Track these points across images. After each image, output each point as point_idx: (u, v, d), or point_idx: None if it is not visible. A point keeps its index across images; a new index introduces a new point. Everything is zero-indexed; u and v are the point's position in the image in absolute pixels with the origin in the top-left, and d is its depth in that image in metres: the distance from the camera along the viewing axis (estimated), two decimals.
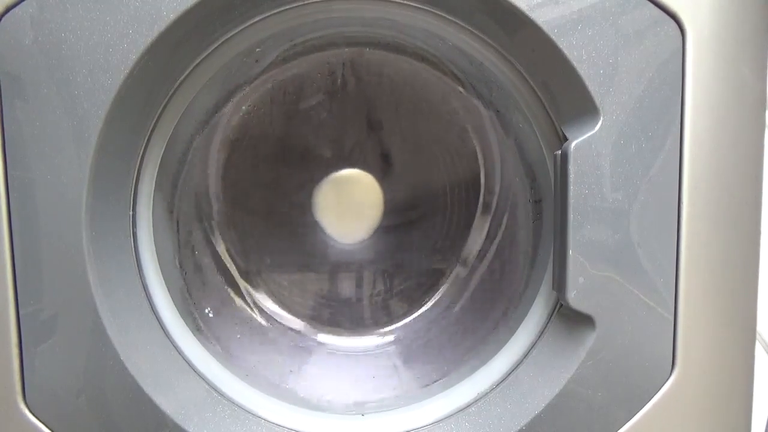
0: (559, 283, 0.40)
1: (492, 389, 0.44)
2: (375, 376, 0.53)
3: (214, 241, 0.57)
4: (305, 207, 0.59)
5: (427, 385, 0.49)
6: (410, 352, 0.57)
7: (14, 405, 0.39)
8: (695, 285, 0.40)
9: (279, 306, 0.60)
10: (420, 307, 0.61)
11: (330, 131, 0.58)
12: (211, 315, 0.52)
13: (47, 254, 0.38)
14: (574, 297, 0.39)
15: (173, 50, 0.39)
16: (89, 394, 0.39)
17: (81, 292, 0.38)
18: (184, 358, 0.44)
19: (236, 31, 0.42)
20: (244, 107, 0.55)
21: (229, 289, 0.57)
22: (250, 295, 0.59)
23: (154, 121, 0.43)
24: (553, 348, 0.43)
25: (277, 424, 0.44)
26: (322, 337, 0.59)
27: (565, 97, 0.40)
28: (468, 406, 0.44)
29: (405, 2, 0.42)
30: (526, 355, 0.44)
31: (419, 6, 0.42)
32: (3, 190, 0.38)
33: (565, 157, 0.39)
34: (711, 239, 0.40)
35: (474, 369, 0.47)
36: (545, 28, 0.37)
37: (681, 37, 0.38)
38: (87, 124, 0.37)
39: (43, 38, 0.37)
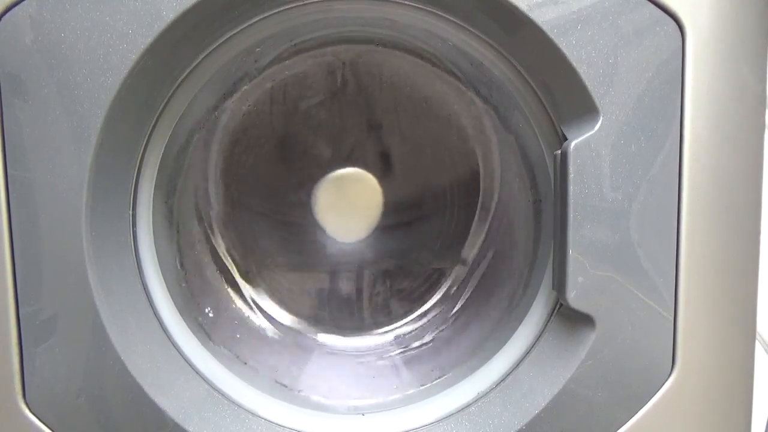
0: (559, 283, 0.40)
1: (492, 389, 0.44)
2: (375, 376, 0.53)
3: (214, 241, 0.57)
4: (305, 206, 0.59)
5: (427, 385, 0.49)
6: (410, 352, 0.57)
7: (14, 405, 0.39)
8: (695, 285, 0.40)
9: (279, 305, 0.60)
10: (420, 307, 0.61)
11: (330, 130, 0.58)
12: (211, 315, 0.52)
13: (47, 254, 0.38)
14: (574, 297, 0.39)
15: (173, 50, 0.39)
16: (89, 394, 0.39)
17: (81, 292, 0.38)
18: (184, 358, 0.44)
19: (236, 31, 0.42)
20: (244, 107, 0.55)
21: (229, 289, 0.57)
22: (250, 294, 0.59)
23: (154, 121, 0.43)
24: (553, 348, 0.43)
25: (277, 424, 0.44)
26: (322, 337, 0.59)
27: (564, 97, 0.40)
28: (468, 405, 0.44)
29: (405, 2, 0.42)
30: (526, 354, 0.44)
31: (419, 6, 0.42)
32: (3, 190, 0.38)
33: (564, 156, 0.39)
34: (711, 239, 0.40)
35: (474, 369, 0.47)
36: (545, 28, 0.37)
37: (681, 37, 0.38)
38: (87, 124, 0.37)
39: (42, 38, 0.37)
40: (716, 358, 0.41)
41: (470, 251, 0.60)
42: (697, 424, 0.41)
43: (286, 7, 0.42)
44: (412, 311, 0.61)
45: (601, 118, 0.38)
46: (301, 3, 0.42)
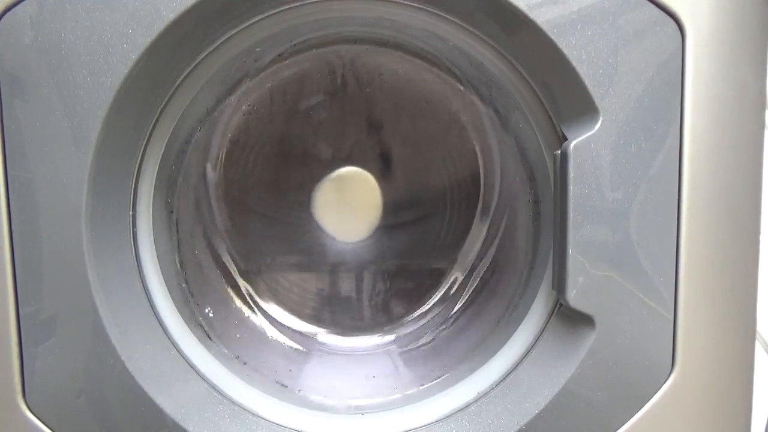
0: (559, 283, 0.40)
1: (492, 389, 0.44)
2: (375, 376, 0.53)
3: (214, 241, 0.57)
4: (305, 206, 0.59)
5: (427, 385, 0.49)
6: (410, 352, 0.57)
7: (14, 405, 0.39)
8: (695, 285, 0.40)
9: (279, 306, 0.60)
10: (420, 307, 0.61)
11: (330, 130, 0.58)
12: (211, 315, 0.52)
13: (47, 254, 0.38)
14: (574, 297, 0.39)
15: (173, 50, 0.39)
16: (89, 394, 0.39)
17: (81, 292, 0.38)
18: (184, 358, 0.44)
19: (236, 31, 0.42)
20: (243, 107, 0.55)
21: (229, 289, 0.58)
22: (250, 294, 0.59)
23: (154, 121, 0.43)
24: (553, 348, 0.43)
25: (277, 424, 0.44)
26: (322, 337, 0.59)
27: (564, 97, 0.40)
28: (468, 405, 0.44)
29: (405, 2, 0.42)
30: (526, 354, 0.44)
31: (419, 6, 0.42)
32: (3, 190, 0.38)
33: (564, 156, 0.39)
34: (711, 239, 0.39)
35: (474, 369, 0.47)
36: (545, 28, 0.37)
37: (681, 37, 0.38)
38: (87, 124, 0.37)
39: (42, 38, 0.37)
40: (716, 358, 0.41)
41: (470, 251, 0.60)
42: (697, 424, 0.41)
43: (286, 7, 0.42)
44: (412, 311, 0.61)
45: (601, 118, 0.38)
46: (301, 3, 0.42)
